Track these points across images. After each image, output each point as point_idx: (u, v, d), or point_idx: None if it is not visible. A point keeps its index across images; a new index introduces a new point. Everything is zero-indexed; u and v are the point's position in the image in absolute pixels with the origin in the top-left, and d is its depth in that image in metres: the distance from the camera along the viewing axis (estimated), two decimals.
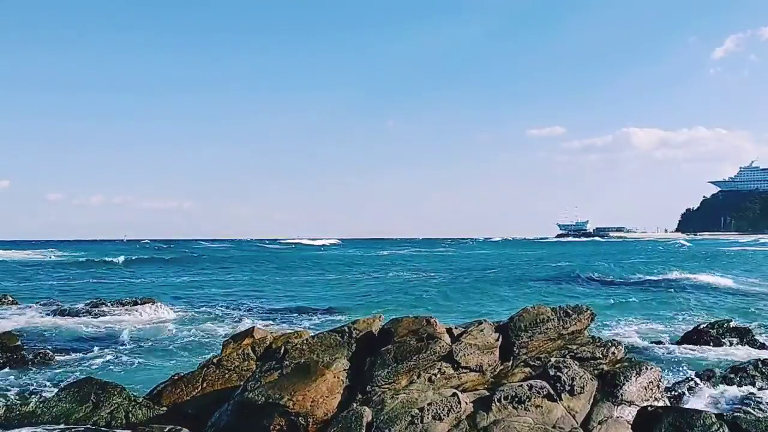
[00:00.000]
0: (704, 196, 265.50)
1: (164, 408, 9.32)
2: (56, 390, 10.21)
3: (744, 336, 16.76)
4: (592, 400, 8.30)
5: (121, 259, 62.83)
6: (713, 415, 8.06)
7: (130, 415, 9.09)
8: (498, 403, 7.75)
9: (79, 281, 40.76)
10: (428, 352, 8.50)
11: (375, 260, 72.46)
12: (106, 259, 63.54)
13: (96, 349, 16.50)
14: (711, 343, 16.02)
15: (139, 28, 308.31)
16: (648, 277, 38.78)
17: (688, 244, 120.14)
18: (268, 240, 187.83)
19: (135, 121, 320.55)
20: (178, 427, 8.39)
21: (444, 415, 7.53)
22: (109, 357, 15.45)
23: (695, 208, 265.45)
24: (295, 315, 22.68)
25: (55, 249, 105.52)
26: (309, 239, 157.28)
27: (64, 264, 60.59)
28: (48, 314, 22.17)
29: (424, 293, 30.50)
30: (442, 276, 43.62)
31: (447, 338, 8.89)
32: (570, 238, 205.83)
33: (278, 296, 30.95)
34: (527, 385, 8.02)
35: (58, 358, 15.16)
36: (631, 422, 8.20)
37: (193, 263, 63.91)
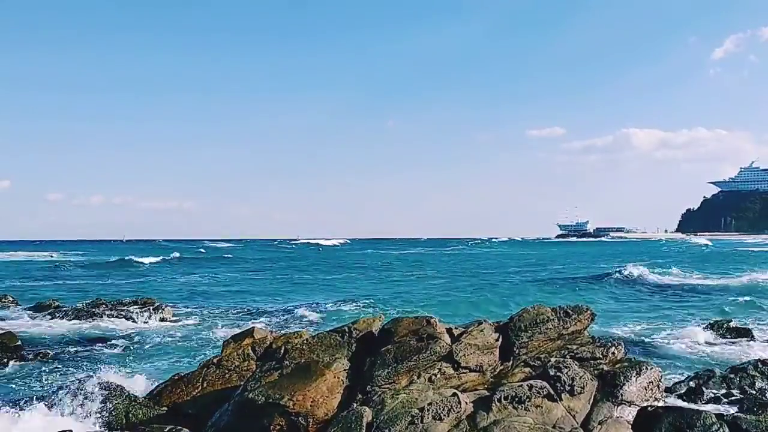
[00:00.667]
0: (704, 197, 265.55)
1: (164, 408, 9.32)
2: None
3: (744, 335, 16.80)
4: (592, 400, 8.30)
5: (149, 260, 61.99)
6: (713, 415, 8.06)
7: (130, 415, 9.09)
8: (498, 403, 7.75)
9: (85, 281, 40.83)
10: (428, 352, 8.51)
11: (393, 259, 72.46)
12: (134, 258, 62.69)
13: (95, 348, 16.51)
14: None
15: (139, 28, 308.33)
16: (668, 279, 37.83)
17: (707, 243, 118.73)
18: (278, 240, 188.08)
19: (135, 122, 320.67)
20: (178, 427, 8.39)
21: (444, 415, 7.53)
22: (108, 357, 15.45)
23: (695, 208, 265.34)
24: (311, 317, 22.20)
25: (64, 249, 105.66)
26: (324, 239, 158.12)
27: (74, 264, 60.39)
28: (48, 314, 22.16)
29: (454, 294, 30.08)
30: (467, 276, 43.52)
31: (447, 338, 8.89)
32: (572, 239, 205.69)
33: (291, 296, 30.82)
34: (527, 385, 8.02)
35: (57, 358, 15.16)
36: (632, 422, 8.21)
37: (213, 263, 63.86)
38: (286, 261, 69.43)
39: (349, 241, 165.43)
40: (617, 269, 40.55)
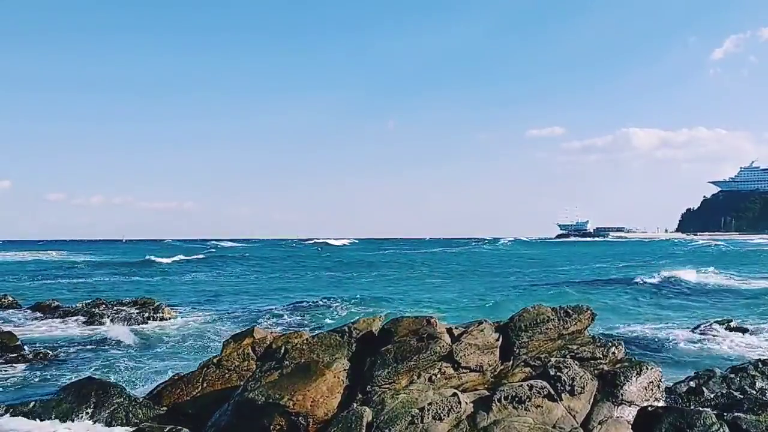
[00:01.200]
0: (704, 196, 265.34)
1: (164, 408, 9.32)
2: (56, 390, 10.20)
3: (744, 335, 16.83)
4: (592, 400, 8.28)
5: (168, 260, 61.48)
6: (713, 415, 8.05)
7: (130, 415, 9.08)
8: (498, 403, 7.75)
9: (94, 280, 40.86)
10: (428, 352, 8.50)
11: (400, 258, 72.32)
12: (156, 258, 62.41)
13: (95, 349, 16.50)
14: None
15: (140, 28, 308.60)
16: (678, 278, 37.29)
17: (717, 242, 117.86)
18: (286, 240, 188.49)
19: (135, 122, 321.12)
20: (178, 427, 8.39)
21: (444, 415, 7.53)
22: (109, 357, 15.45)
23: (695, 208, 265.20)
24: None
25: (67, 249, 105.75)
26: (335, 239, 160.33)
27: (86, 263, 60.36)
28: (48, 314, 22.17)
29: (458, 293, 29.81)
30: (472, 274, 43.84)
31: (447, 338, 8.87)
32: (572, 238, 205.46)
33: (296, 294, 30.75)
34: (527, 385, 8.01)
35: (58, 358, 15.16)
36: (632, 422, 8.20)
37: (231, 262, 63.70)
38: (295, 259, 69.90)
39: (356, 241, 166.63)
40: (647, 271, 40.12)
